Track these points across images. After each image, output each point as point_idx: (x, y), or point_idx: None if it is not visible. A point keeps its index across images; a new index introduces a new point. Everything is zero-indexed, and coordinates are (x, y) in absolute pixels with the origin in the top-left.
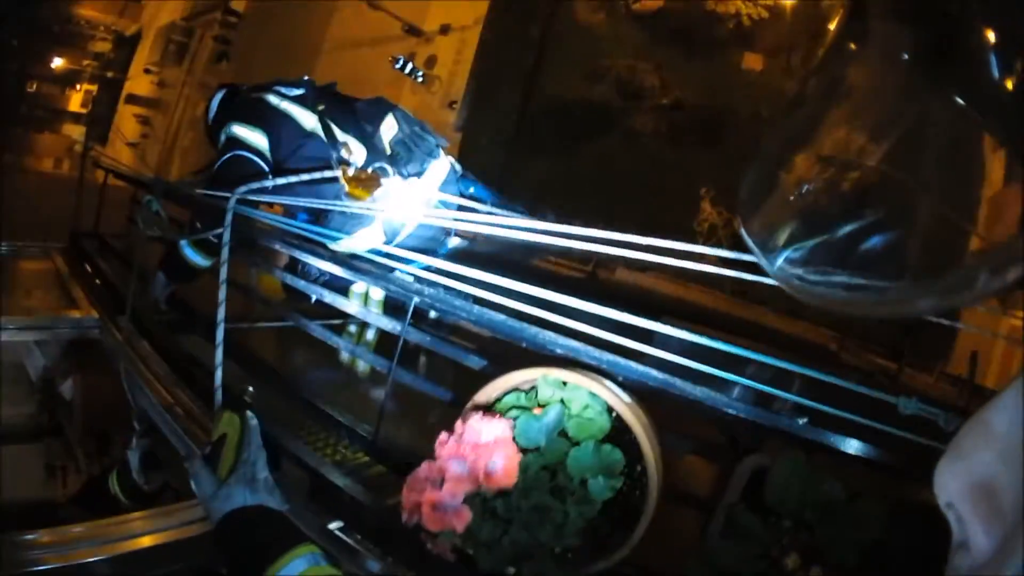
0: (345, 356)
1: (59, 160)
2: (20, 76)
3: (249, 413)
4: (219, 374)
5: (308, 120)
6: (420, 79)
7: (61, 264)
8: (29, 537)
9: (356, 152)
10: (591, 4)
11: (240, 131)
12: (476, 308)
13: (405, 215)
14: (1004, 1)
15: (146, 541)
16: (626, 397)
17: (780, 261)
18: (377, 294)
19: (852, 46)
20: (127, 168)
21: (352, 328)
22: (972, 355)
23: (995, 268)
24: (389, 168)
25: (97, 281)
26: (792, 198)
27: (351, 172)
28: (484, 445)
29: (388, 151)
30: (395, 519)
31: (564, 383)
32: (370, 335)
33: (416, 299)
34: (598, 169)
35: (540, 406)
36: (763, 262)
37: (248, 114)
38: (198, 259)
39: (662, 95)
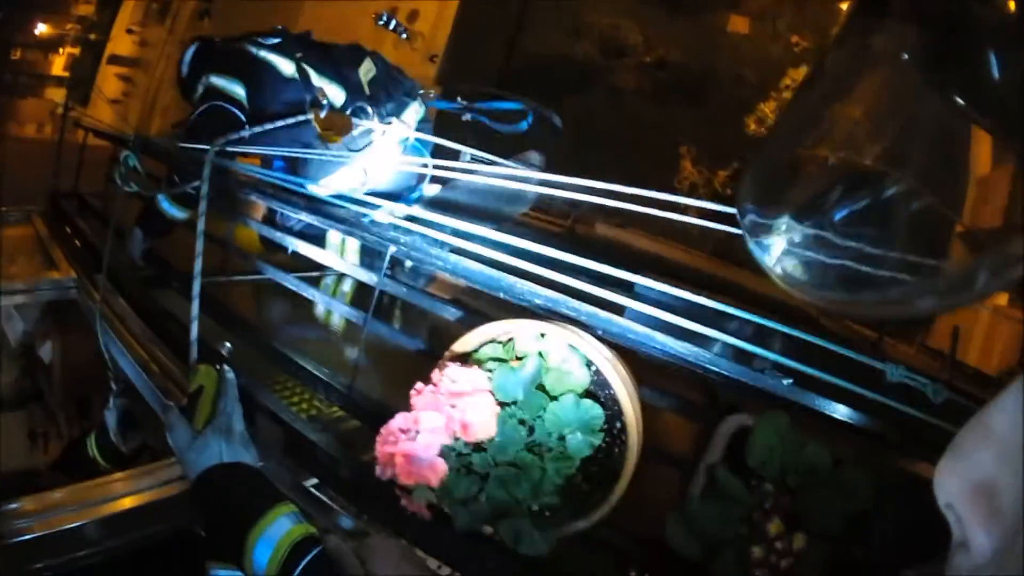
0: (321, 309)
1: (41, 125)
2: (3, 45)
3: (226, 367)
4: (195, 328)
5: (287, 67)
6: (404, 35)
7: (41, 227)
8: (11, 507)
9: (335, 95)
10: None
11: (218, 81)
12: (452, 257)
13: (384, 155)
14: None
15: (128, 502)
16: (606, 351)
17: (778, 256)
18: (353, 243)
19: (856, 43)
20: (106, 126)
21: (328, 280)
22: (954, 329)
23: (995, 267)
24: (369, 108)
25: (76, 242)
26: (792, 195)
27: (323, 114)
28: (461, 394)
29: (367, 93)
30: (370, 475)
31: (542, 335)
32: (346, 287)
33: (392, 248)
34: (580, 126)
35: (518, 358)
36: (763, 262)
37: (225, 64)
38: (175, 211)
39: (645, 53)
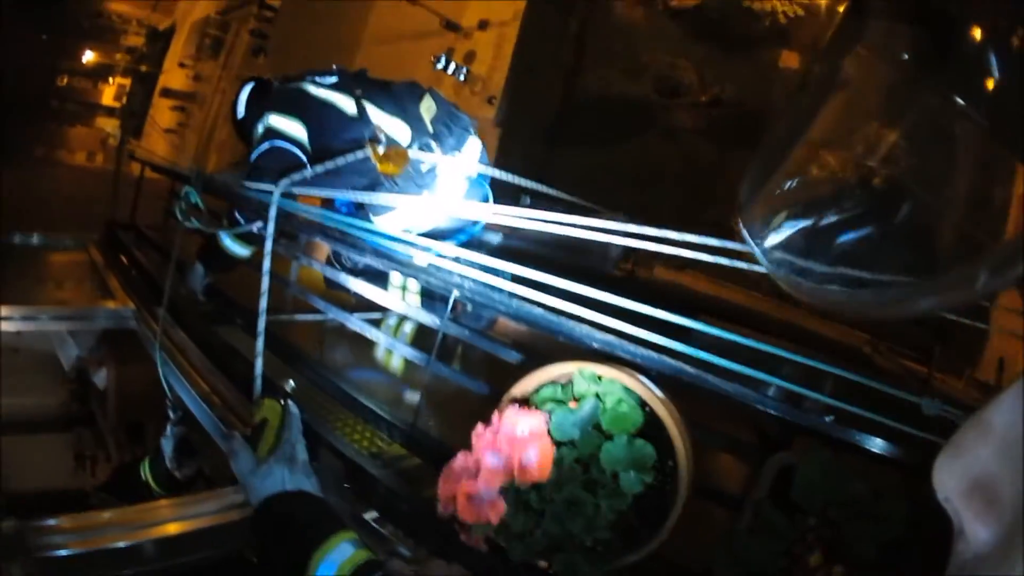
0: (383, 349)
1: (92, 153)
2: (50, 70)
3: (290, 401)
4: (259, 363)
5: (347, 105)
6: (462, 77)
7: (96, 255)
8: (54, 523)
9: (400, 131)
10: (630, 0)
11: (277, 121)
12: (515, 302)
13: (449, 190)
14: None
15: (173, 528)
16: (659, 392)
17: (776, 255)
18: (414, 283)
19: (854, 44)
20: (163, 160)
21: (391, 320)
22: (1000, 361)
23: (995, 267)
24: (434, 144)
25: (133, 272)
26: (790, 194)
27: (381, 149)
28: (520, 438)
29: (430, 129)
30: (429, 510)
31: (599, 377)
32: (408, 327)
33: (456, 293)
34: (637, 165)
35: (575, 399)
36: (763, 261)
37: (285, 104)
38: (238, 249)
39: (700, 92)
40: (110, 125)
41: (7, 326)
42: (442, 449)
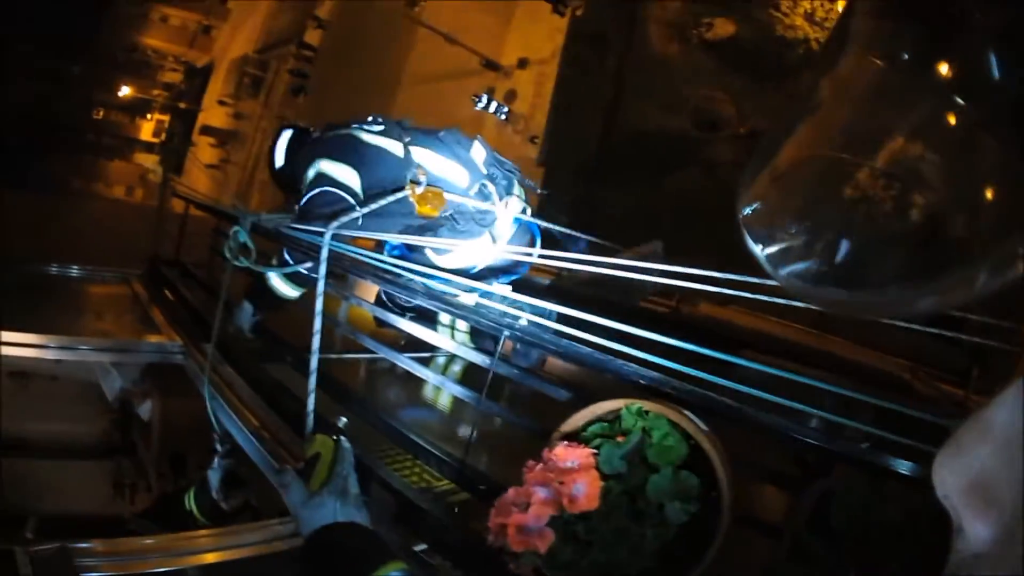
0: (432, 387)
1: (131, 188)
2: (86, 103)
3: (342, 437)
4: (312, 400)
5: (397, 149)
6: (504, 116)
7: (139, 289)
8: (93, 545)
9: (458, 175)
10: (665, 34)
11: (329, 167)
12: (564, 341)
13: (505, 230)
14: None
15: (214, 557)
16: (703, 426)
17: (778, 260)
18: (465, 324)
19: (853, 45)
20: (209, 199)
21: (440, 359)
22: None
23: (995, 267)
24: (490, 186)
25: (180, 308)
26: (791, 196)
27: (419, 190)
28: (569, 471)
29: (484, 172)
30: (478, 542)
31: (646, 412)
32: (457, 365)
33: (507, 332)
34: (678, 200)
35: (622, 434)
36: (764, 264)
37: (336, 150)
38: (287, 290)
39: (739, 124)
40: (150, 161)
41: (47, 354)
42: (490, 484)
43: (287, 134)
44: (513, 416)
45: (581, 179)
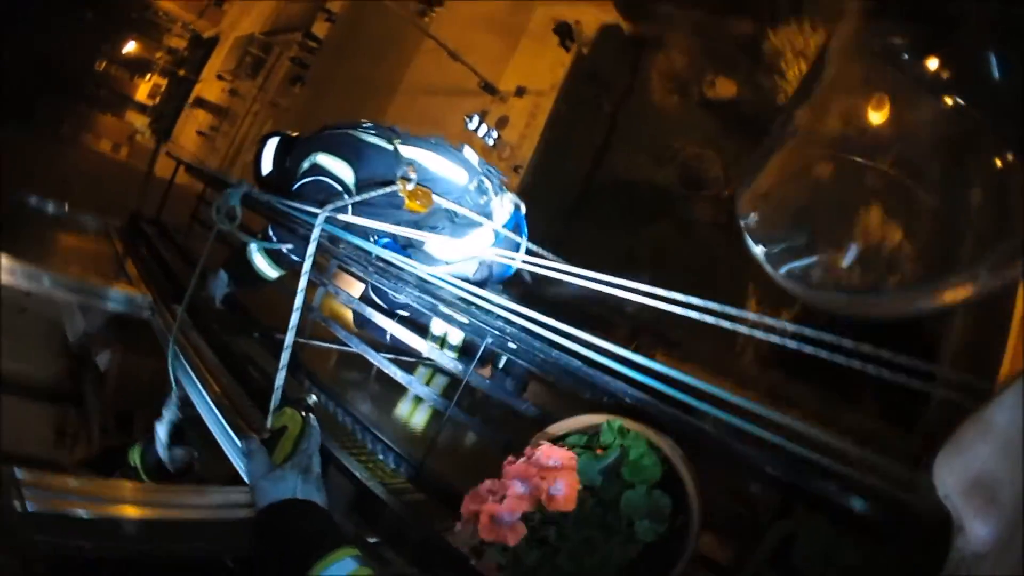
0: (407, 390)
1: (118, 145)
2: (91, 52)
3: (311, 415)
4: (282, 375)
5: (390, 147)
6: (492, 141)
7: (116, 240)
8: (21, 475)
9: (457, 174)
10: (667, 85)
11: (325, 160)
12: (554, 352)
13: (499, 229)
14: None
15: (142, 512)
16: (679, 450)
17: (781, 261)
18: (456, 338)
19: (853, 47)
20: (200, 163)
21: (423, 370)
22: None
23: (994, 267)
24: (488, 182)
25: (154, 265)
26: (791, 199)
27: (410, 187)
28: (551, 469)
29: (480, 170)
30: (435, 542)
31: (626, 431)
32: (440, 380)
33: (488, 340)
34: (652, 251)
35: (602, 448)
36: (767, 267)
37: (333, 146)
38: (267, 269)
39: (724, 186)
40: (140, 122)
41: (12, 280)
42: (448, 490)
43: (274, 141)
44: (479, 426)
45: (559, 215)
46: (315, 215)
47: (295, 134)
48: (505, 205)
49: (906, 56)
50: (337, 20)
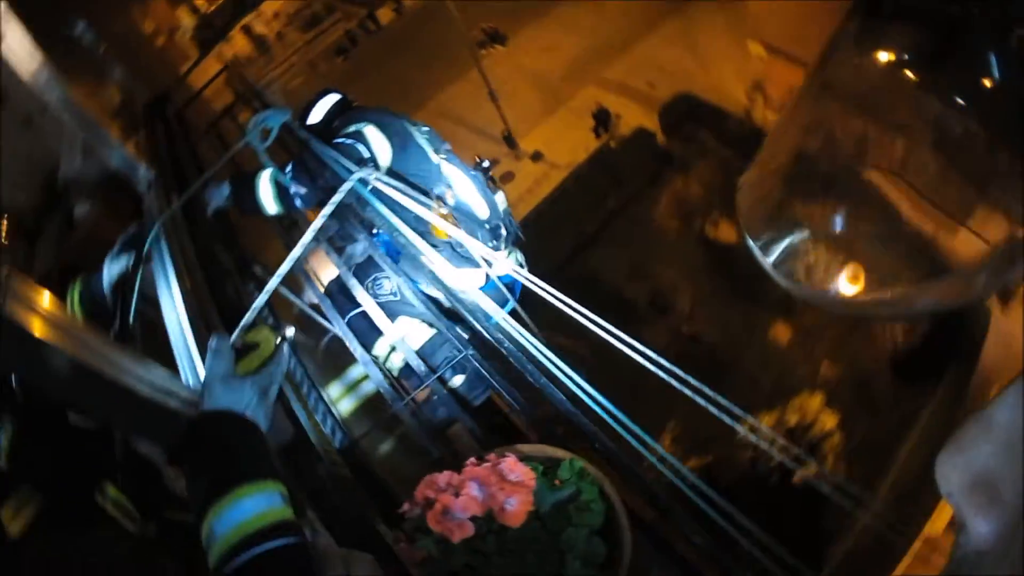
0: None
1: (157, 32)
2: None
3: (286, 344)
4: (265, 297)
5: (433, 157)
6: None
7: (138, 108)
8: None
9: (481, 208)
10: (674, 208)
11: (372, 133)
12: (543, 379)
13: (493, 277)
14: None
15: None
16: (625, 509)
17: (779, 263)
18: (397, 360)
19: (853, 48)
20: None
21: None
22: None
23: (995, 267)
24: (504, 231)
25: (165, 150)
26: (792, 200)
27: (443, 210)
28: (510, 483)
29: (501, 215)
30: (359, 511)
31: (586, 473)
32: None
33: (460, 356)
34: (593, 353)
35: (559, 480)
36: (768, 269)
37: (386, 127)
38: (269, 201)
39: (686, 323)
40: (187, 21)
41: (30, 71)
42: (370, 474)
43: (333, 97)
44: (422, 436)
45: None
46: (349, 170)
47: (355, 102)
48: (509, 260)
49: (907, 57)
50: (403, 14)
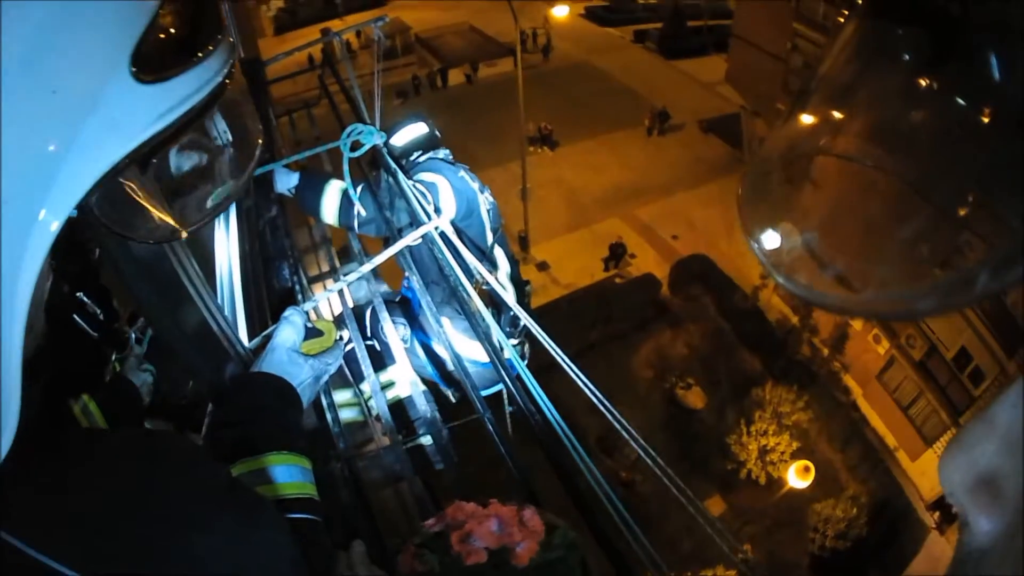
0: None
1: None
2: None
3: (343, 340)
4: (338, 286)
5: (487, 237)
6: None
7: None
8: None
9: (503, 262)
10: (652, 359)
11: (446, 194)
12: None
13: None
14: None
15: None
16: None
17: (776, 259)
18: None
19: (853, 48)
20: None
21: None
22: None
23: (995, 268)
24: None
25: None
26: (791, 197)
27: (484, 287)
28: (525, 528)
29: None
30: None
31: (574, 547)
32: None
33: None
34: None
35: (549, 543)
36: (766, 265)
37: (460, 190)
38: (328, 210)
39: (626, 469)
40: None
41: None
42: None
43: (423, 127)
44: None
45: None
46: (426, 215)
47: (438, 135)
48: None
49: (907, 56)
50: (473, 83)
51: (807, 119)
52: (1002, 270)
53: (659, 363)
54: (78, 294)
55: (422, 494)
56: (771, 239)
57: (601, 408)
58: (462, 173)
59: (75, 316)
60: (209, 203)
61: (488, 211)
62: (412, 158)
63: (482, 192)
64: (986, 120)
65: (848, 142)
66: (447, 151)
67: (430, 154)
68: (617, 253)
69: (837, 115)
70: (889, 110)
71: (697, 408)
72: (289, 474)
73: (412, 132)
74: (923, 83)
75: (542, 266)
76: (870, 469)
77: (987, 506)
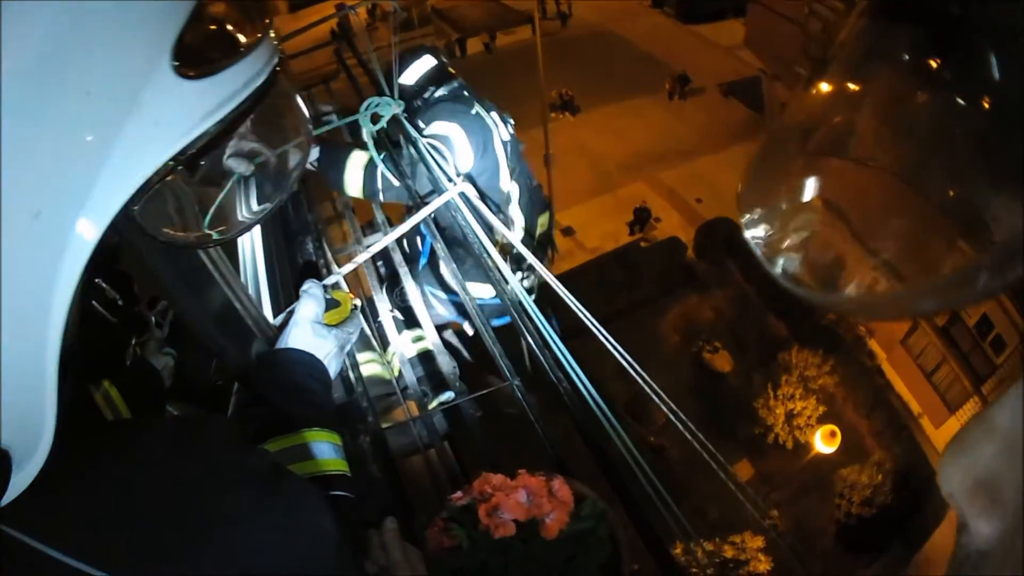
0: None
1: None
2: None
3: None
4: (363, 258)
5: (511, 191)
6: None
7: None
8: None
9: (519, 221)
10: (679, 324)
11: (460, 142)
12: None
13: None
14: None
15: None
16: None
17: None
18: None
19: (855, 49)
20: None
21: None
22: None
23: (995, 267)
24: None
25: None
26: (791, 199)
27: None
28: (554, 499)
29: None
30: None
31: (604, 517)
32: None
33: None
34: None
35: (579, 513)
36: (764, 262)
37: (474, 132)
38: (352, 182)
39: (656, 435)
40: None
41: None
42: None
43: (430, 61)
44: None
45: None
46: (446, 180)
47: (450, 67)
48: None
49: (907, 56)
50: (492, 52)
51: (806, 119)
52: (1002, 269)
53: (686, 327)
54: (96, 280)
55: (451, 463)
56: (769, 238)
57: (632, 372)
58: (476, 109)
59: (93, 302)
60: (256, 207)
61: (505, 144)
62: (426, 96)
63: (498, 126)
64: (985, 119)
65: (849, 143)
66: (459, 81)
67: (443, 89)
68: (642, 217)
69: (838, 115)
70: (890, 108)
71: (724, 372)
72: (324, 451)
73: (421, 67)
74: (923, 82)
75: (567, 231)
76: (894, 435)
77: (986, 509)
